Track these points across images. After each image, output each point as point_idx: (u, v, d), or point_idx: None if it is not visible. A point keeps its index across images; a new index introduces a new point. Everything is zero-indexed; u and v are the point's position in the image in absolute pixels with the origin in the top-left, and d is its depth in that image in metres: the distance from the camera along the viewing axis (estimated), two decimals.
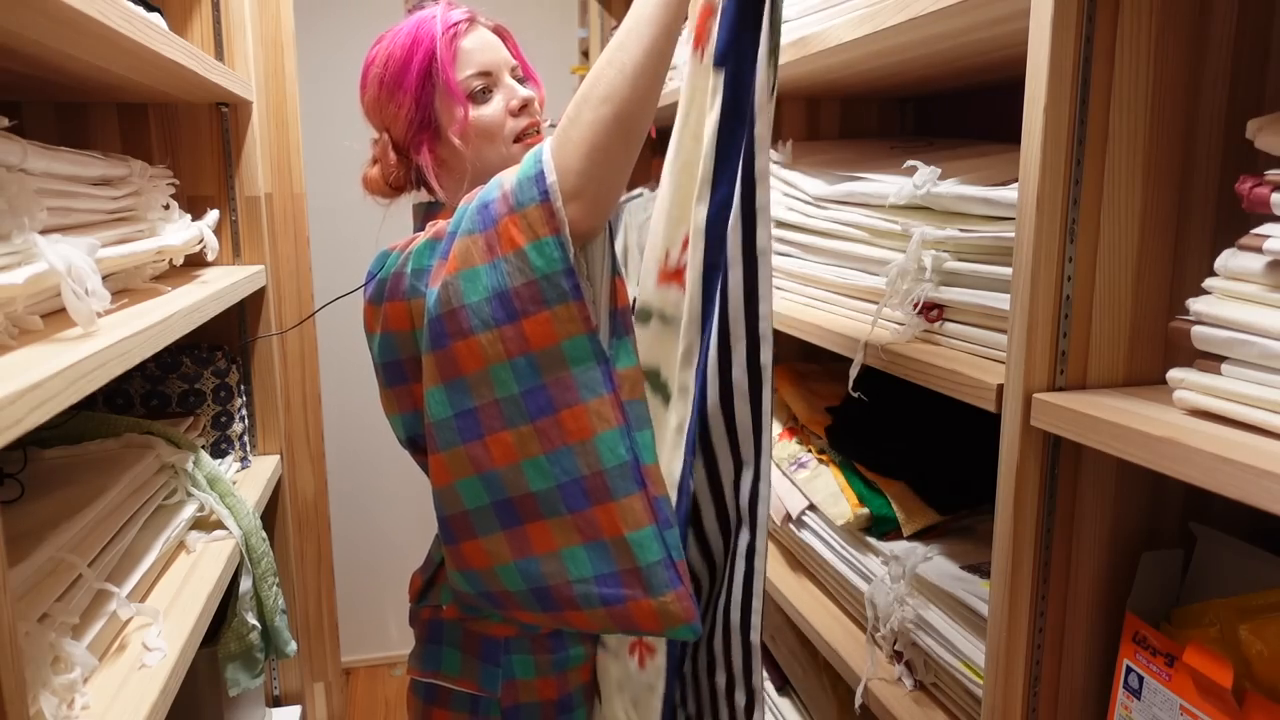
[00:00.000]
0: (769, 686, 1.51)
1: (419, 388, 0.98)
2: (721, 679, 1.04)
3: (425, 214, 1.14)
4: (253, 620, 1.37)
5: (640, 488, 0.89)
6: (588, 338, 0.87)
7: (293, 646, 1.43)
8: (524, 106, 1.05)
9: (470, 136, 1.04)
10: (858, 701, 1.11)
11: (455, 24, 1.05)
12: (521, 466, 0.90)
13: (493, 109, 1.05)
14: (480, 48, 1.05)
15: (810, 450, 1.35)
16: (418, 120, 1.06)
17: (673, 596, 0.91)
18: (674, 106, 1.17)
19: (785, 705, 1.48)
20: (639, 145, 0.89)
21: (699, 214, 0.96)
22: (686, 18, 0.88)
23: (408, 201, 1.18)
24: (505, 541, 0.94)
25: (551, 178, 0.84)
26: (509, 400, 0.88)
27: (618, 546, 0.90)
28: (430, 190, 1.11)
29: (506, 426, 0.89)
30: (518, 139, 1.05)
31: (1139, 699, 0.77)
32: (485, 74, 1.05)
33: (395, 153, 1.09)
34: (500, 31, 1.11)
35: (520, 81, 1.09)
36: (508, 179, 0.88)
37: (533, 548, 0.93)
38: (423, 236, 0.98)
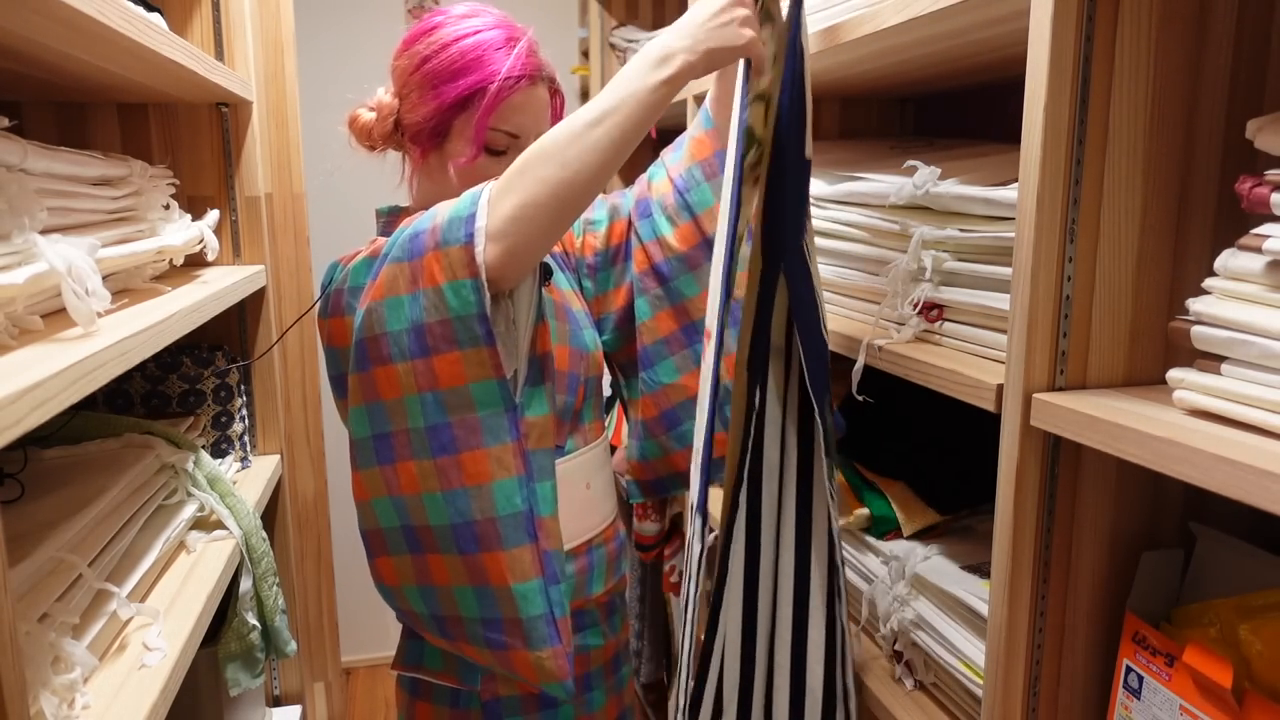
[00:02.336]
0: None
1: None
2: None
3: (387, 219, 1.13)
4: (253, 620, 1.37)
5: (531, 540, 0.90)
6: (497, 383, 0.87)
7: (293, 646, 1.43)
8: None
9: (465, 175, 1.04)
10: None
11: (519, 77, 1.02)
12: (422, 498, 0.91)
13: (496, 165, 1.04)
14: (523, 109, 1.04)
15: None
16: (432, 126, 1.05)
17: (549, 653, 0.91)
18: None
19: None
20: (572, 220, 0.88)
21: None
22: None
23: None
24: (411, 564, 0.95)
25: (481, 221, 0.84)
26: (416, 432, 0.89)
27: (502, 595, 0.90)
28: (404, 177, 1.12)
29: (412, 457, 0.90)
30: None
31: (1139, 699, 0.77)
32: (514, 137, 1.04)
33: (395, 125, 1.09)
34: (555, 90, 1.09)
35: None
36: (442, 212, 0.88)
37: (431, 578, 0.94)
38: (364, 252, 0.98)
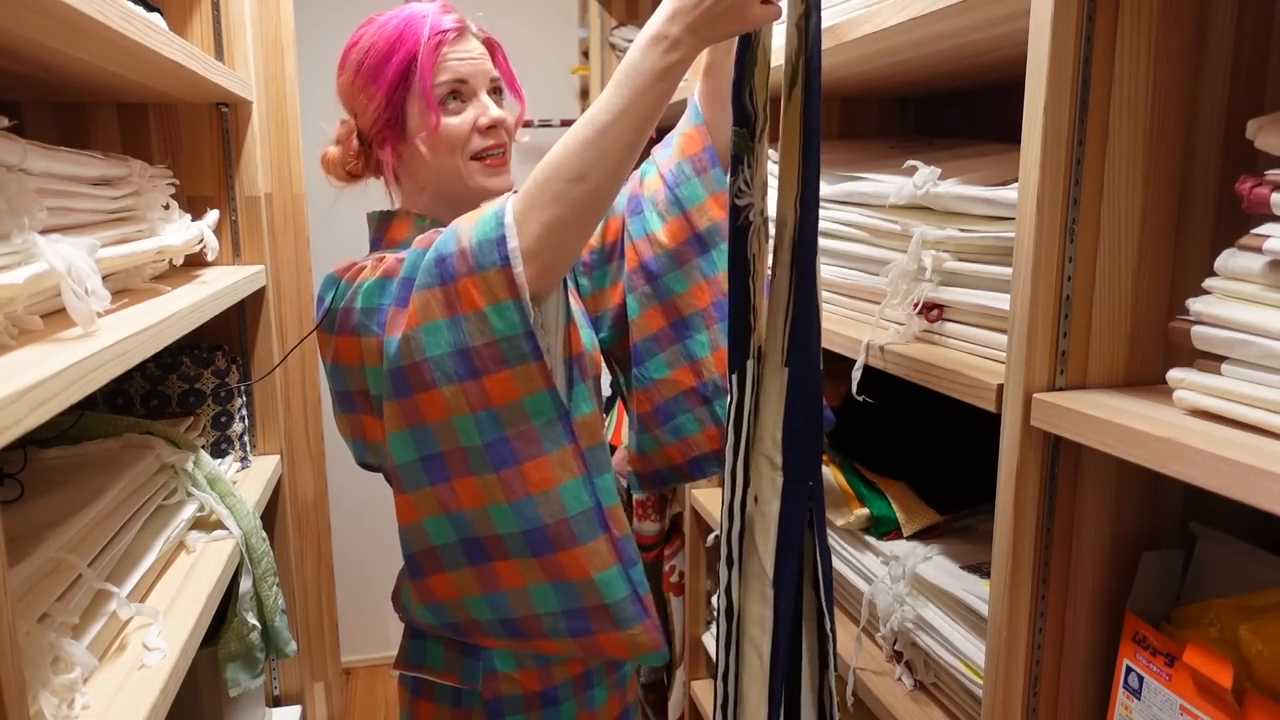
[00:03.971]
0: None
1: (368, 420, 0.99)
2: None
3: (379, 224, 1.12)
4: (253, 620, 1.37)
5: (605, 531, 0.91)
6: (548, 393, 0.88)
7: (293, 646, 1.43)
8: (492, 126, 1.05)
9: (432, 145, 1.05)
10: (850, 693, 1.11)
11: (444, 30, 1.04)
12: (488, 510, 0.91)
13: (460, 121, 1.05)
14: (463, 57, 1.05)
15: None
16: (386, 116, 1.06)
17: (640, 629, 0.93)
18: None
19: None
20: (600, 219, 0.90)
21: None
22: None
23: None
24: (473, 576, 0.95)
25: (513, 243, 0.85)
26: (473, 450, 0.89)
27: (584, 587, 0.92)
28: (386, 185, 1.12)
29: (472, 473, 0.90)
30: (476, 157, 1.05)
31: (1139, 699, 0.77)
32: (461, 83, 1.05)
33: (359, 141, 1.09)
34: (490, 43, 1.10)
35: (498, 97, 1.08)
36: (465, 234, 0.87)
37: (501, 583, 0.94)
38: (369, 271, 0.97)
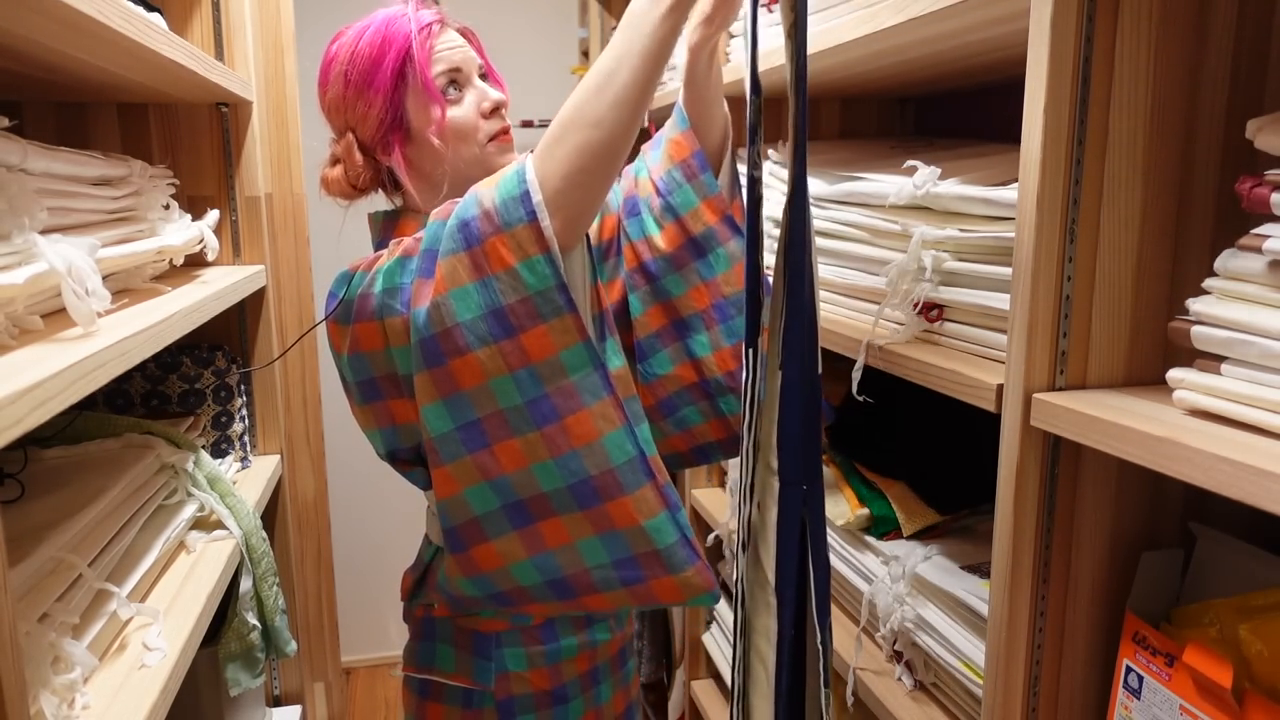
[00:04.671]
0: None
1: (396, 404, 0.99)
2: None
3: (384, 223, 1.12)
4: (253, 620, 1.37)
5: (650, 478, 0.92)
6: (584, 345, 0.88)
7: (293, 646, 1.43)
8: (495, 109, 1.06)
9: (450, 134, 1.05)
10: (850, 693, 1.11)
11: (429, 24, 1.05)
12: (531, 470, 0.91)
13: (465, 109, 1.05)
14: (452, 47, 1.06)
15: None
16: (389, 120, 1.05)
17: (693, 571, 0.94)
18: (669, 110, 1.17)
19: None
20: (620, 167, 0.91)
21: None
22: (674, 47, 0.88)
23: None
24: (518, 540, 0.95)
25: (537, 197, 0.85)
26: (513, 410, 0.89)
27: (634, 534, 0.92)
28: (400, 190, 1.11)
29: (513, 435, 0.90)
30: (491, 138, 1.06)
31: (1139, 699, 0.77)
32: (456, 72, 1.05)
33: (361, 153, 1.08)
34: (466, 33, 1.11)
35: (488, 82, 1.09)
36: (486, 196, 0.88)
37: (546, 543, 0.94)
38: (388, 255, 0.97)
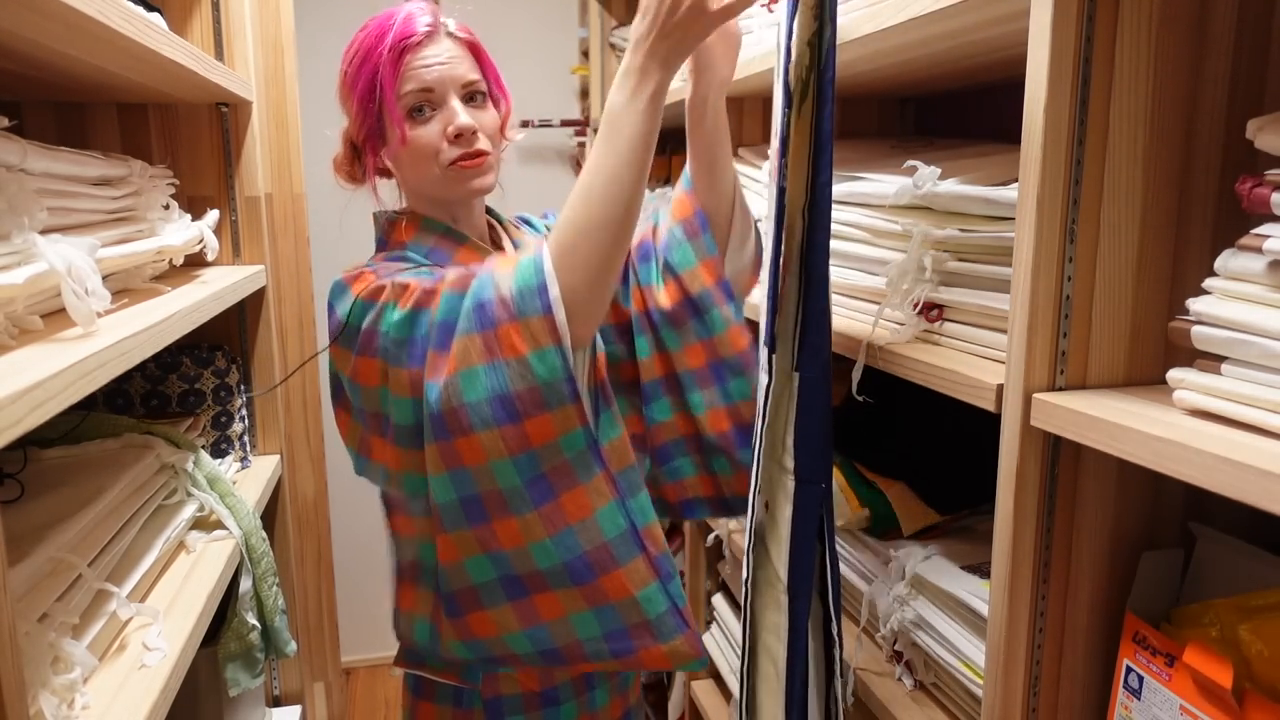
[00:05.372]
0: None
1: (375, 440, 1.00)
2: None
3: (384, 224, 1.12)
4: (253, 620, 1.37)
5: (641, 550, 0.93)
6: (583, 430, 0.90)
7: (293, 646, 1.43)
8: (460, 135, 1.02)
9: (404, 157, 1.04)
10: (849, 692, 1.11)
11: (407, 37, 1.01)
12: (529, 548, 0.92)
13: (429, 131, 1.02)
14: (430, 64, 1.02)
15: None
16: (367, 125, 1.05)
17: (682, 640, 0.95)
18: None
19: None
20: (626, 255, 0.94)
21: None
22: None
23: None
24: (512, 612, 0.96)
25: (555, 291, 0.86)
26: (512, 490, 0.90)
27: (625, 606, 0.93)
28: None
29: (512, 514, 0.91)
30: (452, 162, 1.03)
31: (1139, 699, 0.77)
32: (427, 92, 1.02)
33: (350, 147, 1.09)
34: (471, 44, 1.07)
35: (478, 101, 1.05)
36: (505, 283, 0.88)
37: (540, 616, 0.95)
38: (389, 294, 0.94)
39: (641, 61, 0.86)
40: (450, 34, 1.05)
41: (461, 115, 1.02)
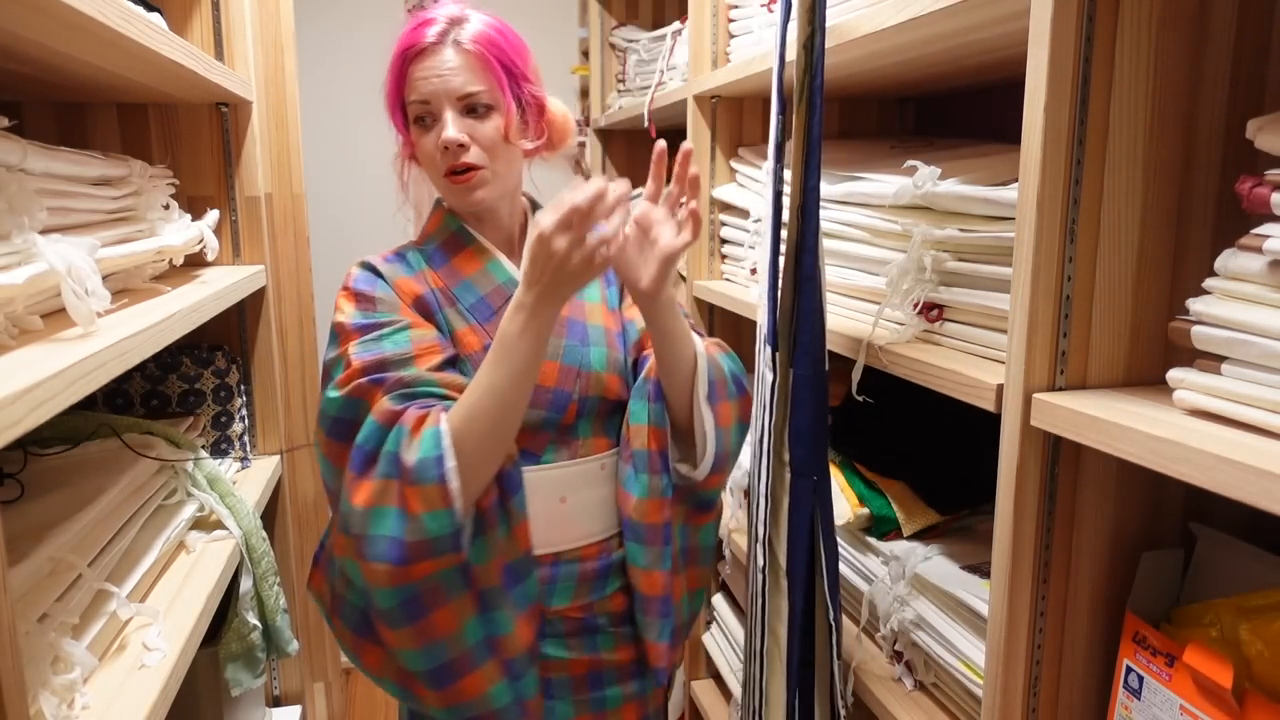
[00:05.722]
0: None
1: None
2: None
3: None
4: (254, 620, 1.37)
5: (494, 655, 1.02)
6: (459, 569, 0.98)
7: (294, 645, 1.43)
8: (446, 149, 1.04)
9: (421, 159, 1.09)
10: (849, 691, 1.11)
11: (408, 47, 1.05)
12: (399, 654, 1.01)
13: (429, 140, 1.06)
14: (427, 75, 1.03)
15: None
16: (397, 125, 1.11)
17: None
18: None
19: None
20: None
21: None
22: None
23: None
24: (395, 679, 1.07)
25: (451, 463, 0.94)
26: (389, 612, 0.98)
27: (478, 702, 1.03)
28: None
29: (390, 628, 0.99)
30: (447, 173, 1.06)
31: (1139, 699, 0.77)
32: (424, 103, 1.05)
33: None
34: (480, 55, 1.05)
35: (475, 113, 1.05)
36: (409, 451, 0.95)
37: (420, 695, 1.06)
38: (338, 368, 1.02)
39: (533, 302, 0.93)
40: (458, 43, 1.04)
41: (448, 129, 1.04)
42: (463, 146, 1.04)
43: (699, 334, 1.15)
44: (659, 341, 1.07)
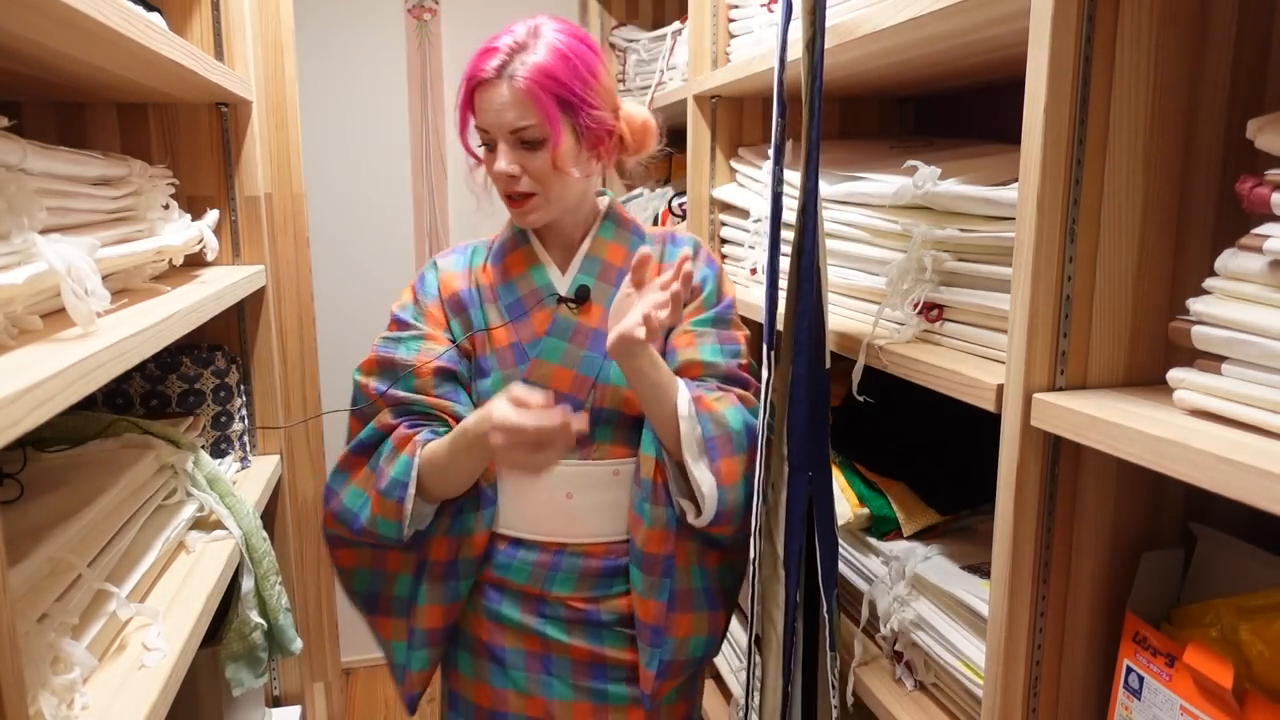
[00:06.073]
0: None
1: None
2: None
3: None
4: (256, 619, 1.37)
5: (405, 615, 1.22)
6: (412, 576, 1.19)
7: (298, 644, 1.43)
8: (498, 176, 1.12)
9: (492, 177, 1.15)
10: (849, 691, 1.11)
11: (473, 78, 1.10)
12: (354, 572, 1.23)
13: (491, 163, 1.12)
14: (486, 109, 1.09)
15: None
16: (465, 142, 1.19)
17: (399, 688, 1.27)
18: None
19: None
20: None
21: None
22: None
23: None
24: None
25: (411, 491, 1.10)
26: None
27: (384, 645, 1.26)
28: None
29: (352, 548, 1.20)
30: (505, 197, 1.14)
31: (1139, 699, 0.77)
32: (485, 132, 1.12)
33: None
34: (530, 89, 1.06)
35: (526, 146, 1.09)
36: (388, 466, 1.12)
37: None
38: (369, 354, 1.21)
39: (484, 450, 1.04)
40: (512, 78, 1.07)
41: (499, 161, 1.10)
42: (514, 177, 1.11)
43: (707, 387, 1.12)
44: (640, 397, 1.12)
